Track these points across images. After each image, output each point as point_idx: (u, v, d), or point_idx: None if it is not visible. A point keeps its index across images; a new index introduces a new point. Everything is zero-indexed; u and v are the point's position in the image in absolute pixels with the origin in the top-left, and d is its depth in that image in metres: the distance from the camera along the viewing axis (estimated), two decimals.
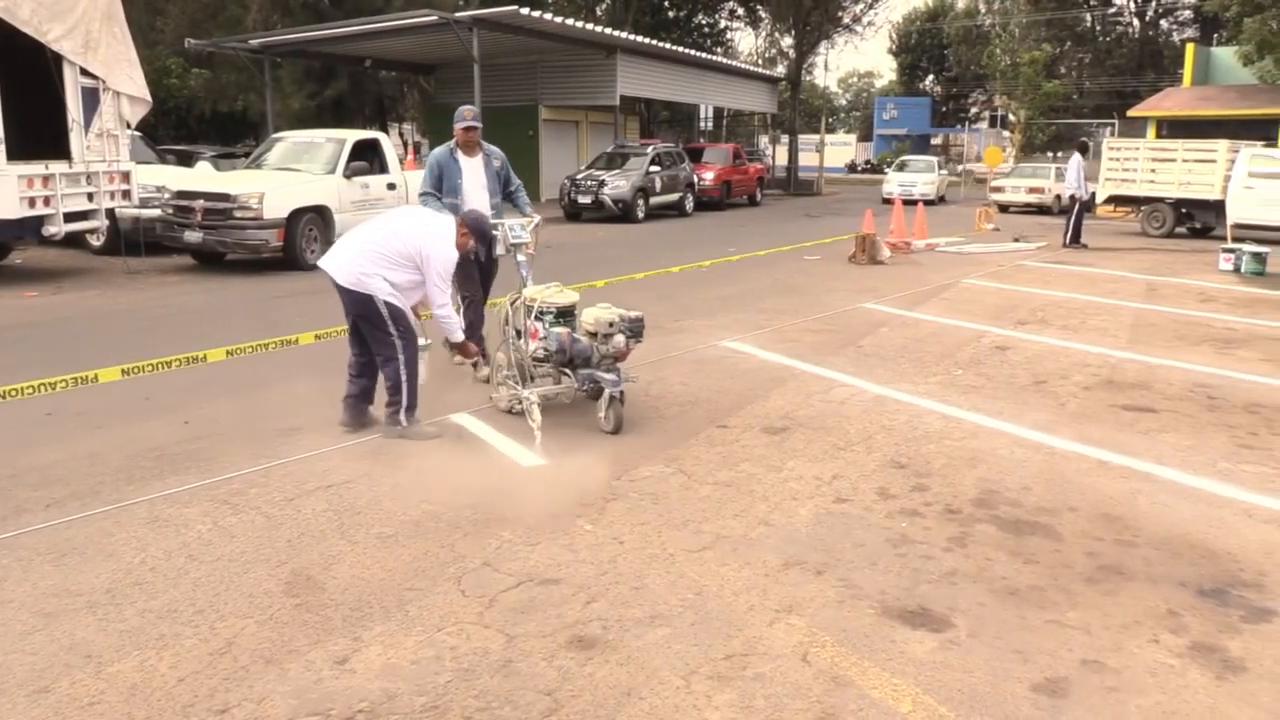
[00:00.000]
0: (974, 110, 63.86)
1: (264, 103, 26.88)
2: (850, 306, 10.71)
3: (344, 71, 29.08)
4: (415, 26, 22.18)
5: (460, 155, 6.98)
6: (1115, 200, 21.25)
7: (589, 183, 22.47)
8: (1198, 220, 19.76)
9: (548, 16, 24.31)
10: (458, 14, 22.55)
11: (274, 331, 8.29)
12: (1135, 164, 20.47)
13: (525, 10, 21.85)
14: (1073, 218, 17.71)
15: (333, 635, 3.40)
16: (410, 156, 25.04)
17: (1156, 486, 5.00)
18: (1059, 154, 37.95)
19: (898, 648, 3.37)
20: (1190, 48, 33.35)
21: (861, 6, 43.02)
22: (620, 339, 5.78)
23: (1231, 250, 14.22)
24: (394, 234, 5.50)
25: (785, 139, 42.59)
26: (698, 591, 3.76)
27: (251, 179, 13.73)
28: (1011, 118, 45.07)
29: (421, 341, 5.73)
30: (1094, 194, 20.22)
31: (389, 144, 15.31)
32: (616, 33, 28.12)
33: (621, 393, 5.73)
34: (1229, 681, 3.22)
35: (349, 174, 13.88)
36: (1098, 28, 52.18)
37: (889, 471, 5.18)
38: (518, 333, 6.05)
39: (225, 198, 12.86)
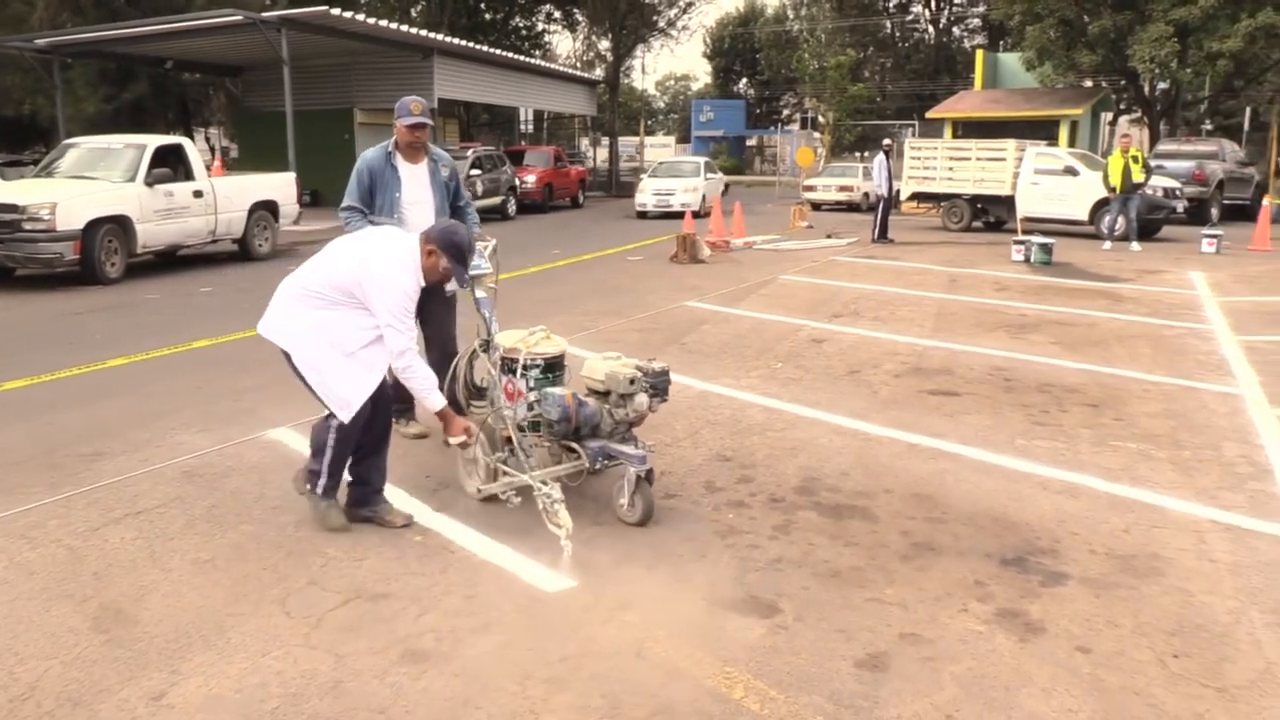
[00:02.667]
0: (786, 112, 66.13)
1: (54, 107, 25.06)
2: (673, 305, 10.91)
3: (143, 73, 27.47)
4: (219, 26, 21.16)
5: (400, 161, 5.47)
6: (918, 197, 22.42)
7: None
8: (992, 214, 21.08)
9: (360, 17, 23.69)
10: (264, 14, 21.65)
11: (74, 352, 7.76)
12: (934, 163, 21.64)
13: (336, 11, 21.20)
14: (879, 214, 18.60)
15: (148, 670, 3.22)
16: (218, 163, 23.92)
17: (961, 465, 5.32)
18: (866, 154, 39.74)
19: (729, 636, 3.46)
20: (980, 54, 35.62)
21: (676, 11, 43.92)
22: (643, 399, 4.57)
23: (1022, 242, 15.24)
24: (329, 261, 4.24)
25: (605, 141, 42.95)
26: (531, 597, 3.75)
27: (42, 188, 12.77)
28: (821, 119, 46.85)
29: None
30: (898, 191, 21.29)
31: (194, 150, 14.57)
32: (432, 35, 27.64)
33: (650, 471, 4.49)
34: (1030, 643, 3.46)
35: (151, 181, 13.10)
36: (897, 34, 55.07)
37: (715, 465, 5.31)
38: (475, 391, 5.12)
39: (13, 209, 11.92)
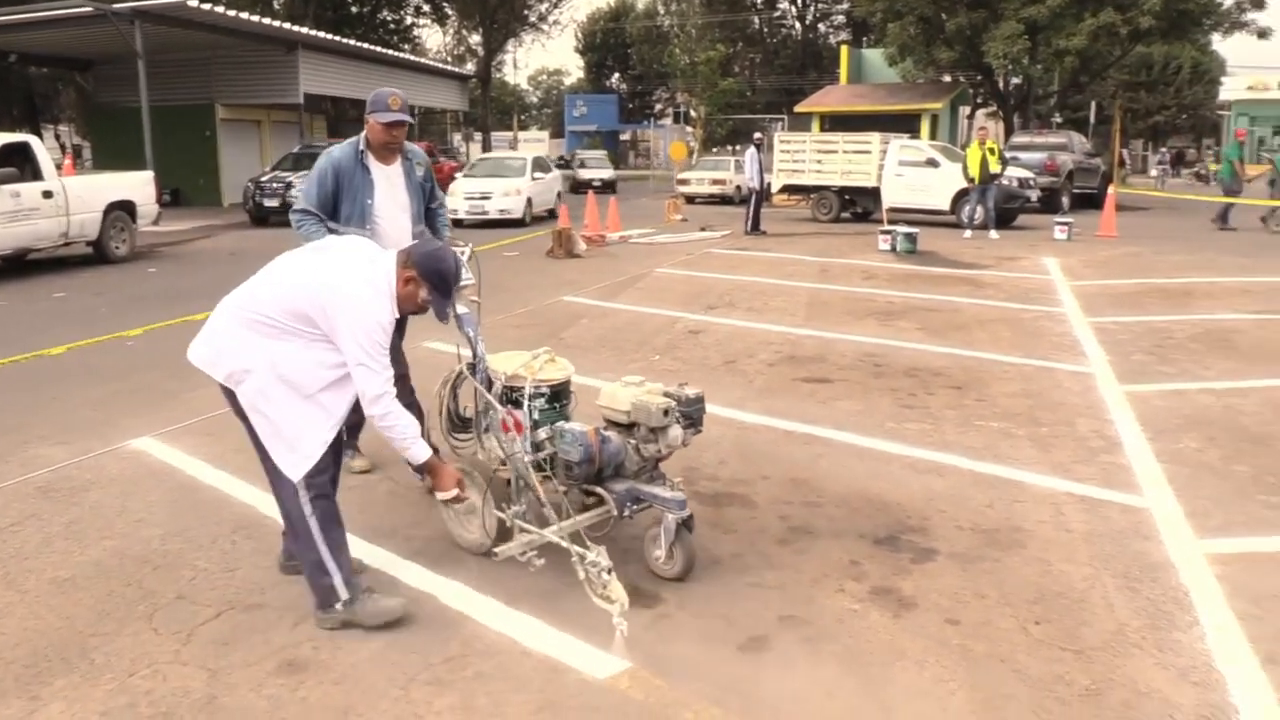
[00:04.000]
0: (659, 107, 66.66)
1: None
2: (550, 300, 10.88)
3: None
4: (67, 18, 20.12)
5: (372, 162, 4.72)
6: (788, 189, 22.89)
7: (275, 185, 21.33)
8: (859, 205, 21.68)
9: (220, 9, 22.83)
10: (116, 5, 20.65)
11: None
12: (804, 156, 22.13)
13: (194, 2, 20.39)
14: (752, 207, 18.93)
15: (5, 699, 3.05)
16: (69, 161, 22.71)
17: (835, 449, 5.47)
18: (737, 147, 40.39)
19: (613, 627, 3.48)
20: (844, 49, 36.64)
21: (547, 5, 43.92)
22: (677, 432, 3.93)
23: (888, 232, 15.72)
24: (283, 279, 3.42)
25: (479, 136, 42.49)
26: (413, 598, 3.69)
27: None
28: (693, 114, 47.39)
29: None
30: (770, 184, 21.71)
31: (42, 148, 13.79)
32: (296, 28, 26.85)
33: (690, 518, 3.87)
34: (903, 618, 3.58)
35: None
36: (765, 30, 56.10)
37: None
38: (459, 423, 4.55)
39: None
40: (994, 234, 17.46)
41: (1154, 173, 40.12)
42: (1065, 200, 22.21)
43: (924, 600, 3.71)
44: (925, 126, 30.99)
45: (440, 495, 3.52)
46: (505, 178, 21.43)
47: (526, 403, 3.98)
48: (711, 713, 2.98)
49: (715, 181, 29.43)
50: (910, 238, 15.31)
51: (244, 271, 3.42)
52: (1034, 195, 20.62)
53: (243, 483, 4.83)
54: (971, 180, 17.88)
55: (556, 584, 3.78)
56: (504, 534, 3.84)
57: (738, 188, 27.20)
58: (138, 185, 15.43)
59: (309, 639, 3.40)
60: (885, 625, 3.53)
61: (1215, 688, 3.13)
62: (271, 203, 21.09)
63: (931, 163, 20.07)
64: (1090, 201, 23.06)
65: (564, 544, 3.55)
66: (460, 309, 4.15)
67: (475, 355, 4.16)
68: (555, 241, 15.11)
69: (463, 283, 4.09)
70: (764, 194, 19.74)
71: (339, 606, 3.45)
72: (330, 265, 3.40)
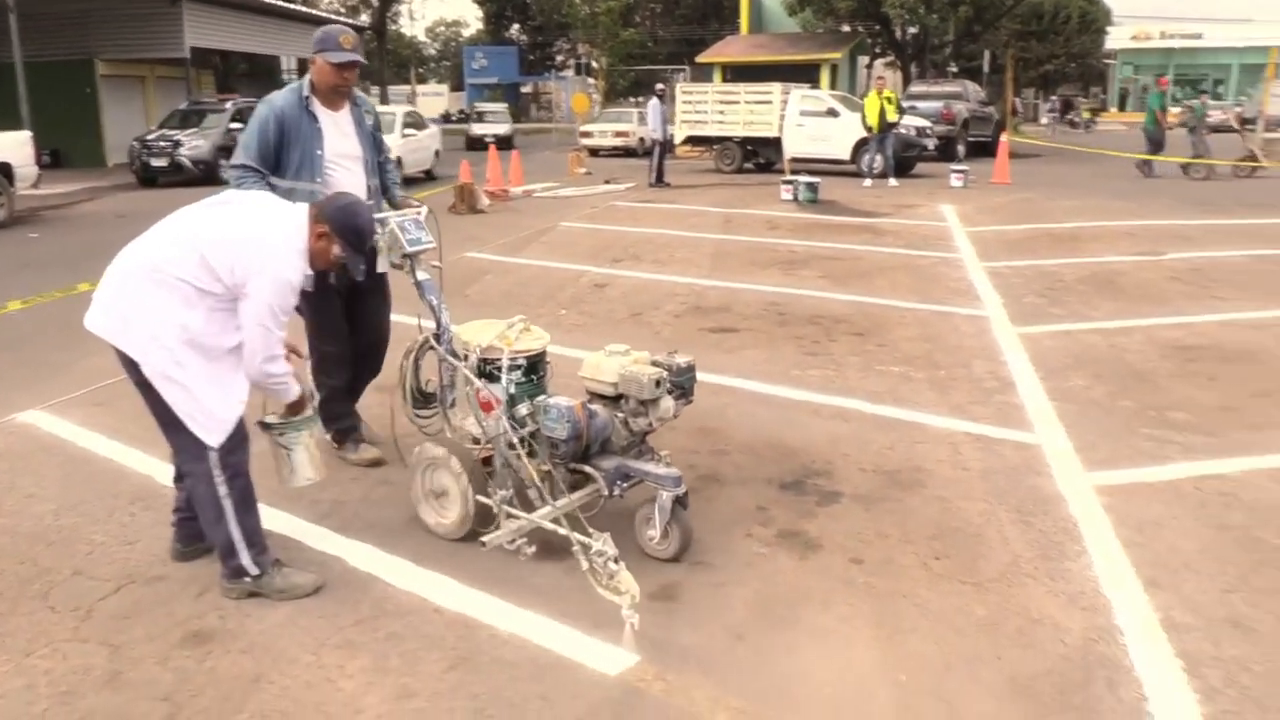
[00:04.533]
0: (560, 58, 65.75)
1: None
2: (454, 256, 10.69)
3: None
4: None
5: (319, 108, 4.28)
6: (691, 141, 22.90)
7: (163, 144, 20.49)
8: (761, 156, 21.82)
9: None
10: None
11: None
12: (706, 107, 22.14)
13: None
14: (655, 159, 18.89)
15: None
16: None
17: (741, 398, 5.54)
18: (640, 99, 40.18)
19: (524, 582, 3.49)
20: None
21: None
22: (669, 404, 3.74)
23: (790, 182, 15.88)
24: (189, 235, 3.19)
25: (376, 90, 41.41)
26: (320, 562, 3.65)
27: None
28: (595, 65, 46.92)
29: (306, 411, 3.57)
30: (673, 136, 21.66)
31: None
32: None
33: (685, 494, 3.68)
34: (810, 560, 3.67)
35: None
36: None
37: None
38: (421, 398, 4.25)
39: None
40: (893, 182, 17.77)
41: (1044, 120, 41.24)
42: (961, 148, 22.68)
43: (829, 542, 3.81)
44: (825, 76, 31.24)
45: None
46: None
47: (504, 376, 3.75)
48: (620, 655, 3.02)
49: (618, 134, 29.25)
50: (812, 187, 15.47)
51: (133, 235, 3.27)
52: (931, 144, 21.05)
53: (139, 453, 4.68)
54: (870, 129, 18.12)
55: (463, 543, 3.77)
56: (484, 519, 3.66)
57: (641, 140, 27.08)
58: (14, 146, 14.68)
59: (214, 609, 3.33)
60: (793, 567, 3.62)
61: (1102, 612, 3.29)
62: (159, 162, 20.28)
63: (832, 113, 20.27)
64: (985, 149, 23.58)
65: (562, 531, 3.34)
66: (421, 275, 3.99)
67: (439, 325, 3.97)
68: (458, 197, 14.87)
69: (422, 246, 4.00)
70: (667, 146, 19.71)
71: (247, 580, 3.37)
72: (240, 219, 3.23)
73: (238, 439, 3.28)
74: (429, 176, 20.75)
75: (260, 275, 3.10)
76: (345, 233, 3.29)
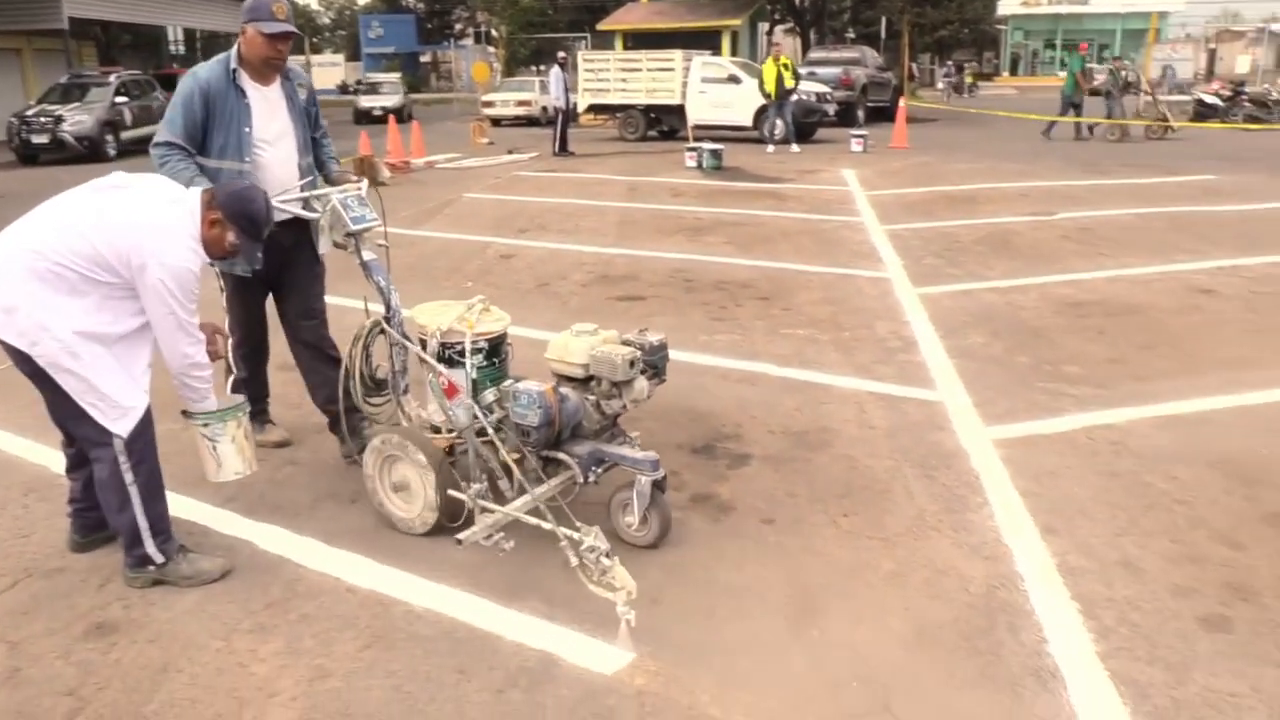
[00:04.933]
0: (459, 27, 64.56)
1: None
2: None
3: None
4: None
5: (247, 82, 3.98)
6: (594, 109, 22.77)
7: (44, 120, 19.56)
8: (665, 123, 21.82)
9: None
10: None
11: None
12: (608, 75, 22.02)
13: None
14: (559, 128, 18.73)
15: None
16: None
17: None
18: (541, 68, 39.75)
19: (438, 555, 3.46)
20: None
21: None
22: (643, 385, 3.61)
23: (694, 149, 15.92)
24: (75, 221, 3.02)
25: None
26: (228, 546, 3.56)
27: None
28: (494, 33, 46.22)
29: (235, 400, 3.52)
30: (576, 104, 21.50)
31: None
32: None
33: (664, 479, 3.55)
34: (722, 522, 3.72)
35: None
36: None
37: (415, 389, 5.22)
38: (373, 384, 4.03)
39: None
40: (795, 148, 17.95)
41: (940, 86, 42.05)
42: (860, 114, 23.02)
43: (741, 503, 3.86)
44: (726, 43, 31.33)
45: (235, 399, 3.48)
46: None
47: (467, 361, 3.59)
48: (536, 625, 3.02)
49: (520, 103, 28.91)
50: (716, 154, 15.54)
51: (15, 217, 3.12)
52: (831, 109, 21.28)
53: (30, 442, 4.50)
54: (769, 96, 18.26)
55: (376, 520, 3.73)
56: (453, 513, 3.48)
57: (544, 109, 26.83)
58: None
59: (118, 599, 3.23)
60: (706, 530, 3.66)
61: (1003, 560, 3.41)
62: (40, 139, 19.40)
63: (733, 79, 20.34)
64: (883, 114, 23.96)
65: (546, 525, 3.14)
66: (367, 255, 3.82)
67: (389, 308, 3.81)
68: (357, 170, 14.45)
69: (366, 224, 3.82)
70: (570, 114, 19.56)
71: (151, 568, 3.27)
72: (131, 205, 3.06)
73: (144, 424, 3.16)
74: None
75: (158, 266, 2.96)
76: (238, 219, 3.17)
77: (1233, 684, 2.72)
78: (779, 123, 18.32)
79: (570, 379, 3.64)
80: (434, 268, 8.35)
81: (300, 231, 4.04)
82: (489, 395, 3.55)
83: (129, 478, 3.15)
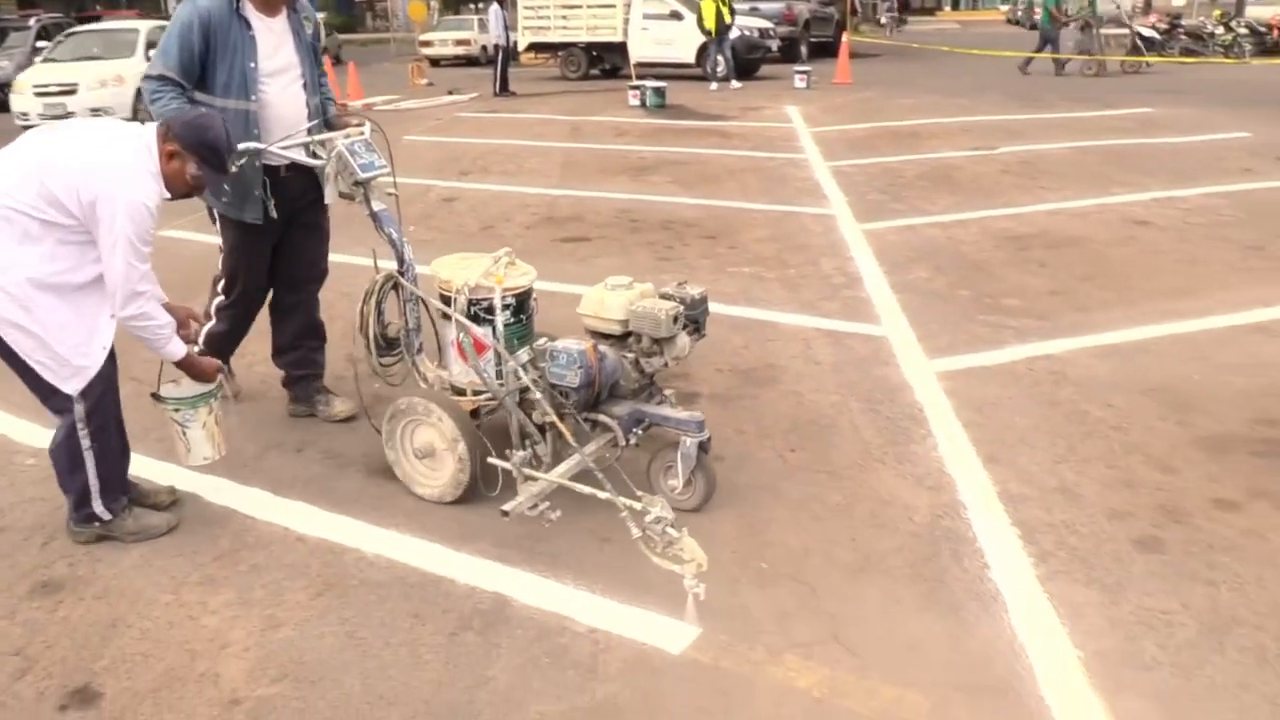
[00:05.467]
0: None
1: None
2: None
3: None
4: None
5: (252, 13, 3.67)
6: (535, 47, 22.40)
7: None
8: (607, 61, 21.54)
9: None
10: None
11: None
12: (548, 13, 21.61)
13: None
14: (499, 67, 18.40)
15: None
16: None
17: None
18: (480, 5, 38.86)
19: (389, 503, 3.46)
20: None
21: None
22: (685, 341, 3.45)
23: (636, 87, 15.74)
24: (30, 164, 2.88)
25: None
26: (172, 499, 3.51)
27: None
28: None
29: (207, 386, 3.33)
30: (516, 43, 21.12)
31: None
32: None
33: (708, 440, 3.35)
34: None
35: None
36: None
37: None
38: (386, 343, 3.82)
39: None
40: (735, 84, 17.83)
41: (883, 20, 41.90)
42: (804, 49, 22.87)
43: None
44: None
45: (207, 386, 3.28)
46: (102, 60, 15.19)
47: (497, 318, 3.37)
48: (489, 567, 3.03)
49: (459, 42, 28.29)
50: (659, 92, 15.39)
51: None
52: (774, 45, 21.12)
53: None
54: (708, 33, 18.08)
55: (325, 469, 3.71)
56: (488, 480, 3.30)
57: (484, 48, 26.29)
58: None
59: (63, 556, 3.18)
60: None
61: (947, 489, 3.48)
62: None
63: (675, 15, 20.08)
64: (826, 50, 23.85)
65: (603, 495, 2.90)
66: (376, 205, 3.62)
67: (402, 261, 3.64)
68: None
69: (375, 172, 3.60)
70: (511, 53, 19.21)
71: (96, 525, 3.21)
72: (83, 143, 2.93)
73: (103, 385, 3.03)
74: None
75: (111, 201, 2.82)
76: (198, 149, 3.00)
77: (1165, 602, 2.82)
78: (720, 59, 18.16)
79: (606, 335, 3.44)
80: None
81: (309, 180, 3.81)
82: (523, 354, 3.35)
83: (85, 443, 3.06)
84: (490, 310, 3.39)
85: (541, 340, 3.44)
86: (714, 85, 17.88)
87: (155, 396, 3.29)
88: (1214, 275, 5.91)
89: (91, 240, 2.90)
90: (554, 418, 3.13)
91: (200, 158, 3.01)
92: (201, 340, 3.78)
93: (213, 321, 3.95)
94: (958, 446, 3.80)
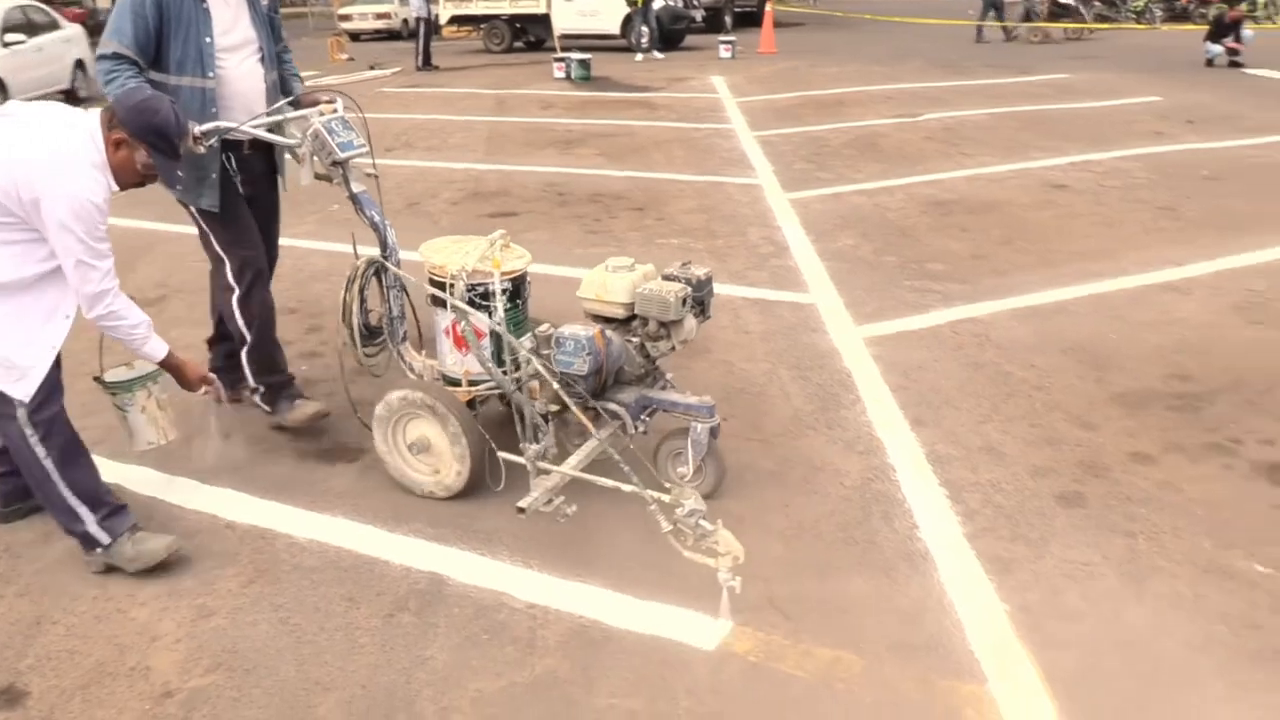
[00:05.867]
0: None
1: None
2: None
3: None
4: None
5: None
6: (457, 20, 22.04)
7: None
8: (531, 34, 21.31)
9: None
10: None
11: None
12: None
13: None
14: (421, 41, 18.08)
15: None
16: None
17: None
18: None
19: (319, 486, 3.42)
20: None
21: None
22: (692, 324, 3.30)
23: (562, 59, 15.60)
24: None
25: None
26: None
27: None
28: None
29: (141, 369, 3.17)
30: (438, 16, 20.76)
31: None
32: None
33: (719, 425, 3.26)
34: (602, 434, 3.74)
35: None
36: None
37: (283, 319, 5.05)
38: (368, 332, 3.64)
39: None
40: (658, 54, 17.79)
41: None
42: (728, 19, 22.86)
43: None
44: None
45: (196, 391, 3.10)
46: None
47: (497, 304, 3.14)
48: (423, 546, 3.02)
49: (380, 16, 27.71)
50: (584, 64, 15.28)
51: None
52: (699, 15, 21.07)
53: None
54: (633, 4, 18.00)
55: (252, 454, 3.64)
56: (495, 475, 3.13)
57: (405, 21, 25.81)
58: None
59: None
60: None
61: (876, 453, 3.54)
62: None
63: None
64: (751, 19, 23.86)
65: (628, 488, 2.78)
66: (355, 186, 3.44)
67: (385, 246, 3.48)
68: None
69: (354, 151, 3.42)
70: (433, 27, 18.89)
71: (99, 550, 2.93)
72: (21, 135, 2.66)
73: (48, 389, 2.80)
74: (71, 97, 14.13)
75: (55, 201, 2.58)
76: (145, 134, 2.74)
77: (1086, 554, 2.91)
78: (645, 30, 18.08)
79: (608, 319, 3.30)
80: (294, 192, 7.95)
81: (269, 160, 3.68)
82: (528, 341, 3.21)
83: (39, 451, 2.80)
84: (488, 296, 3.19)
85: (544, 326, 3.27)
86: (639, 56, 17.80)
87: (97, 380, 3.18)
88: (1128, 236, 6.08)
89: (37, 237, 2.68)
90: (573, 408, 2.95)
91: (150, 145, 2.77)
92: (247, 364, 3.63)
93: (246, 338, 3.68)
94: (886, 410, 3.87)
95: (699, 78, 14.94)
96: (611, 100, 12.94)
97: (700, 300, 3.34)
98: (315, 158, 3.43)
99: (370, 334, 3.66)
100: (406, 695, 2.42)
